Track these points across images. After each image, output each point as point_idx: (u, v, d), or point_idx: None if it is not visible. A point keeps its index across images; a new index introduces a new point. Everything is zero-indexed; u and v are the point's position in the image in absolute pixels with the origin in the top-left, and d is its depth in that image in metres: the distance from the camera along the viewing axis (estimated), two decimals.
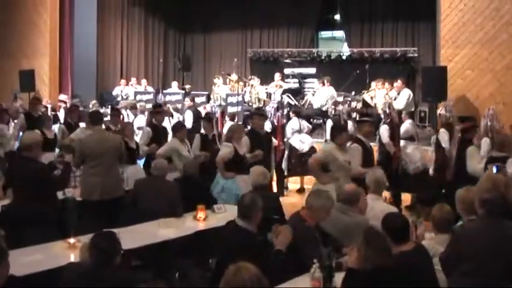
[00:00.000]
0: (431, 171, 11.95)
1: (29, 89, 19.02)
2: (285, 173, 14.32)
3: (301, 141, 14.63)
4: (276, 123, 14.64)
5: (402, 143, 12.74)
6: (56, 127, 13.20)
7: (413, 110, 17.17)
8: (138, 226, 7.85)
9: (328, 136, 12.78)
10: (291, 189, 14.60)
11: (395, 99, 17.16)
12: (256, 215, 6.19)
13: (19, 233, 7.16)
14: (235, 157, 9.70)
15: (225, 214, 8.34)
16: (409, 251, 5.39)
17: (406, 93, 17.28)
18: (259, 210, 6.21)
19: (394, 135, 12.38)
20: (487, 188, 5.03)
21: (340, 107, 16.63)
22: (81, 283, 4.94)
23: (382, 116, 14.56)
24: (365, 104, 17.49)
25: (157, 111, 12.58)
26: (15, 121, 13.96)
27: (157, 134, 11.73)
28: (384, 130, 12.55)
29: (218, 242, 6.58)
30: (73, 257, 6.33)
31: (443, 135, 11.87)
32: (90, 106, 17.88)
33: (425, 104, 16.89)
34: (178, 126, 11.35)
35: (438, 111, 13.84)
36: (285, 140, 14.44)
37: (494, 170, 7.59)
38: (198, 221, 8.27)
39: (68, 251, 6.64)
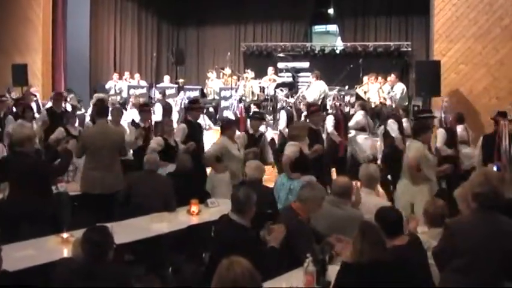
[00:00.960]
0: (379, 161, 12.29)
1: (22, 84, 18.99)
2: None
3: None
4: (238, 115, 14.87)
5: (353, 133, 13.73)
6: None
7: (407, 104, 17.20)
8: (131, 221, 7.83)
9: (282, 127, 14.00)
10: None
11: (388, 93, 17.18)
12: (250, 210, 6.18)
13: (13, 229, 7.16)
14: (300, 157, 9.52)
15: (218, 208, 8.33)
16: (403, 245, 5.39)
17: (400, 87, 17.31)
18: (253, 205, 6.20)
19: (340, 125, 13.08)
20: (479, 182, 5.02)
21: (291, 99, 17.80)
22: (74, 279, 4.92)
23: (328, 107, 15.48)
24: (358, 98, 17.47)
25: (194, 107, 11.74)
26: (37, 116, 13.64)
27: (193, 131, 11.13)
28: (329, 120, 13.21)
29: (211, 236, 6.57)
30: (66, 252, 6.31)
31: (392, 125, 12.10)
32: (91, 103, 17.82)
33: (419, 98, 16.88)
34: (228, 124, 10.56)
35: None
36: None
37: (495, 168, 7.59)
38: (192, 215, 8.25)
39: (61, 246, 6.62)
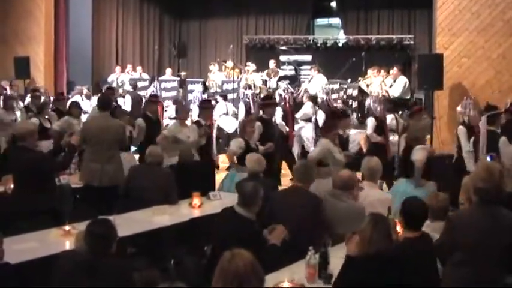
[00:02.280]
0: None
1: (24, 76, 19.01)
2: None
3: (228, 123, 16.05)
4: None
5: (302, 123, 14.88)
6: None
7: (409, 97, 17.19)
8: (132, 213, 7.84)
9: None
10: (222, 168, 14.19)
11: (391, 86, 17.16)
12: (257, 204, 6.18)
13: (15, 223, 7.16)
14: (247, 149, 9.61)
15: (220, 201, 8.35)
16: (415, 238, 5.38)
17: (402, 80, 17.28)
18: (260, 199, 6.20)
19: (288, 117, 13.82)
20: (482, 177, 5.00)
21: (248, 91, 18.59)
22: (77, 271, 4.91)
23: (277, 99, 15.56)
24: (361, 91, 17.48)
25: (268, 103, 11.52)
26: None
27: (268, 129, 10.95)
28: (277, 111, 13.52)
29: (215, 229, 6.56)
30: (68, 244, 6.31)
31: (369, 122, 12.33)
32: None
33: (421, 92, 16.87)
34: (330, 126, 9.71)
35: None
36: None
37: (488, 158, 7.58)
38: (193, 208, 8.27)
39: (63, 238, 6.62)
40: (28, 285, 6.00)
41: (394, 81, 17.29)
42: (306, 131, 14.99)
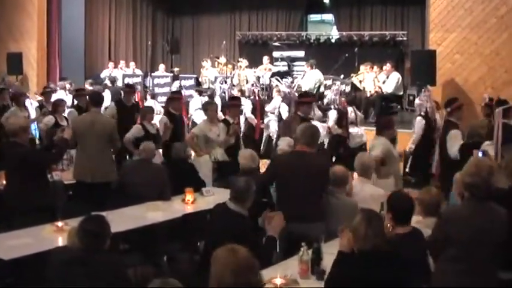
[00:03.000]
0: None
1: (17, 72, 18.98)
2: None
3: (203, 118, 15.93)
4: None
5: (271, 116, 15.31)
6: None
7: (401, 93, 17.21)
8: (125, 209, 7.82)
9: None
10: None
11: (384, 82, 17.18)
12: (249, 199, 6.16)
13: (7, 219, 7.16)
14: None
15: (213, 197, 8.35)
16: (405, 234, 5.38)
17: (395, 76, 17.29)
18: (253, 195, 6.18)
19: (257, 110, 14.65)
20: (470, 172, 5.03)
21: (225, 85, 18.98)
22: (70, 268, 4.91)
23: (247, 93, 16.43)
24: (354, 87, 17.49)
25: (304, 101, 10.66)
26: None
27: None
28: (246, 105, 14.65)
29: (208, 225, 6.56)
30: (61, 241, 6.30)
31: (330, 114, 13.18)
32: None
33: (414, 88, 16.88)
34: (387, 123, 9.18)
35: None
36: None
37: (480, 154, 7.58)
38: (186, 204, 8.25)
39: (56, 235, 6.61)
40: (21, 281, 6.01)
41: (387, 78, 17.30)
42: (273, 124, 15.27)
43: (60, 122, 11.34)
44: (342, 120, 12.15)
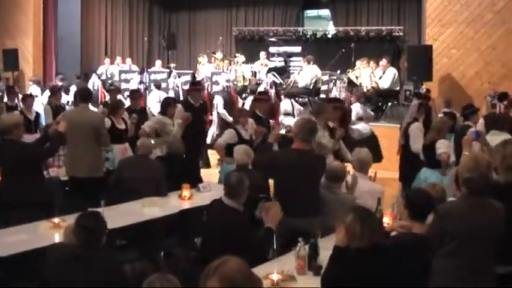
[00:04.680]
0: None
1: (13, 69, 18.95)
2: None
3: None
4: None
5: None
6: None
7: (398, 88, 17.21)
8: (122, 205, 7.83)
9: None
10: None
11: (380, 78, 17.19)
12: (243, 194, 6.19)
13: (4, 215, 7.15)
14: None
15: (210, 193, 8.34)
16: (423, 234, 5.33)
17: (392, 72, 17.30)
18: (246, 189, 6.21)
19: (229, 105, 14.98)
20: (468, 167, 5.04)
21: (178, 80, 19.27)
22: (67, 264, 4.90)
23: (221, 89, 16.70)
24: (350, 82, 17.48)
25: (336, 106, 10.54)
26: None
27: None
28: (219, 100, 15.03)
29: (204, 220, 6.57)
30: (57, 237, 6.29)
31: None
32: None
33: (410, 83, 16.90)
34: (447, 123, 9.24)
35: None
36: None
37: (474, 136, 7.53)
38: (183, 200, 8.25)
39: (52, 231, 6.61)
40: (17, 277, 6.00)
41: (383, 73, 17.32)
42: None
43: (118, 125, 10.40)
44: (346, 117, 11.99)
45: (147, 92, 18.04)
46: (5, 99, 14.07)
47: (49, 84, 18.02)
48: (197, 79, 19.66)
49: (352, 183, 7.19)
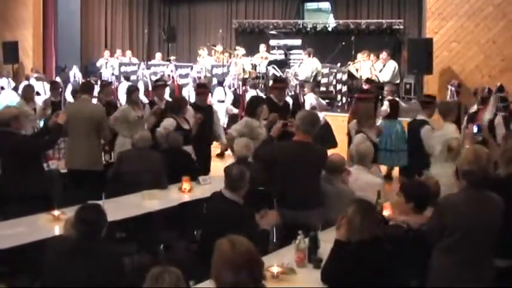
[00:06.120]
0: None
1: (13, 61, 18.92)
2: None
3: None
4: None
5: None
6: None
7: (398, 82, 17.19)
8: (122, 198, 7.82)
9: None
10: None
11: (380, 71, 17.17)
12: (244, 187, 6.20)
13: (3, 208, 7.15)
14: None
15: (210, 186, 8.33)
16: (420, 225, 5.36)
17: (392, 65, 17.30)
18: (247, 182, 6.21)
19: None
20: (469, 160, 5.02)
21: (146, 71, 19.50)
22: (67, 257, 4.90)
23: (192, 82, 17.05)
24: (350, 75, 17.48)
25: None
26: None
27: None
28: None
29: (204, 213, 6.58)
30: (57, 230, 6.29)
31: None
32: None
33: (411, 76, 16.89)
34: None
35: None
36: None
37: (475, 129, 7.53)
38: (183, 192, 8.24)
39: (52, 224, 6.61)
40: (17, 270, 6.00)
41: (384, 66, 17.31)
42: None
43: (183, 125, 9.84)
44: (238, 101, 12.43)
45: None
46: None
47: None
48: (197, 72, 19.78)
49: (344, 176, 7.18)
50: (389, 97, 12.85)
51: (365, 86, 12.45)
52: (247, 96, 14.04)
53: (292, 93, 15.46)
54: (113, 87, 16.06)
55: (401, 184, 5.99)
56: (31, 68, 18.88)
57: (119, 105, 12.56)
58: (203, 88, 11.66)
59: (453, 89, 15.01)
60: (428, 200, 5.52)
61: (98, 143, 9.10)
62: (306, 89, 14.79)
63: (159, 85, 11.59)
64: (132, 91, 10.78)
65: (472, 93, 13.44)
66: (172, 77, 17.34)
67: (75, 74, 19.15)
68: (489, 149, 6.18)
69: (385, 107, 12.58)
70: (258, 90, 15.83)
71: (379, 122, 12.06)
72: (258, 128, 9.35)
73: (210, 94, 14.03)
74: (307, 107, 13.24)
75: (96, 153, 9.00)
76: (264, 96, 13.34)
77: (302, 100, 12.88)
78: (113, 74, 19.59)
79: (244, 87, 17.70)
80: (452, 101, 13.38)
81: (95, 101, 10.68)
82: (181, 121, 9.77)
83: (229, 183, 6.21)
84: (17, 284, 6.10)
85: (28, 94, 12.18)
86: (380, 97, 13.84)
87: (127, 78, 18.23)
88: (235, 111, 14.60)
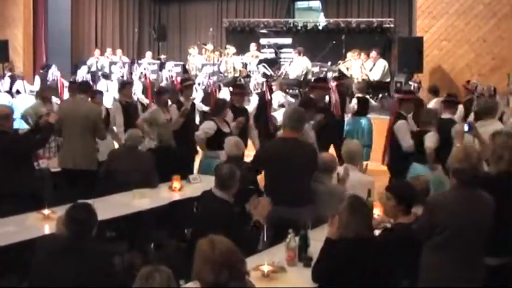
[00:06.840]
0: None
1: (3, 60, 18.85)
2: None
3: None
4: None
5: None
6: None
7: (389, 80, 17.22)
8: (112, 197, 7.80)
9: None
10: None
11: (370, 70, 17.20)
12: (234, 186, 6.18)
13: None
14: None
15: (200, 184, 8.31)
16: (408, 224, 5.35)
17: (382, 64, 17.34)
18: (237, 181, 6.20)
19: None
20: (459, 158, 5.02)
21: (123, 70, 19.29)
22: (57, 256, 4.88)
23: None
24: (341, 74, 17.48)
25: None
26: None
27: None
28: (198, 93, 15.39)
29: (194, 212, 6.57)
30: (47, 229, 6.28)
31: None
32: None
33: (401, 75, 16.91)
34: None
35: None
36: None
37: (466, 128, 7.52)
38: (173, 191, 8.23)
39: (42, 222, 6.59)
40: (7, 269, 5.98)
41: (374, 65, 17.34)
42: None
43: (223, 128, 9.49)
44: (208, 99, 12.50)
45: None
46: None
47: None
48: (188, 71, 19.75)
49: (344, 175, 7.17)
50: (359, 94, 12.96)
51: (333, 83, 12.40)
52: (274, 97, 13.74)
53: (259, 90, 15.35)
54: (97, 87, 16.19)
55: (389, 185, 5.96)
56: (5, 66, 18.77)
57: (139, 105, 12.30)
58: (239, 89, 11.65)
59: (415, 85, 15.21)
60: (412, 200, 5.51)
61: (93, 143, 9.06)
62: (274, 87, 14.77)
63: (187, 85, 11.22)
64: (162, 92, 10.70)
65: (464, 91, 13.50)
66: (145, 75, 17.28)
67: (53, 73, 19.02)
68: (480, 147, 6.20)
69: (353, 103, 12.66)
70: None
71: (347, 118, 12.51)
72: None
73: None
74: (275, 105, 13.28)
75: (91, 152, 8.96)
76: (293, 100, 13.79)
77: (269, 98, 12.69)
78: (102, 73, 19.53)
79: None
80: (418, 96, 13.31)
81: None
82: (222, 124, 9.51)
83: (220, 182, 6.19)
84: (4, 284, 6.09)
85: (48, 94, 12.05)
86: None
87: (105, 76, 18.41)
88: (205, 108, 14.50)
